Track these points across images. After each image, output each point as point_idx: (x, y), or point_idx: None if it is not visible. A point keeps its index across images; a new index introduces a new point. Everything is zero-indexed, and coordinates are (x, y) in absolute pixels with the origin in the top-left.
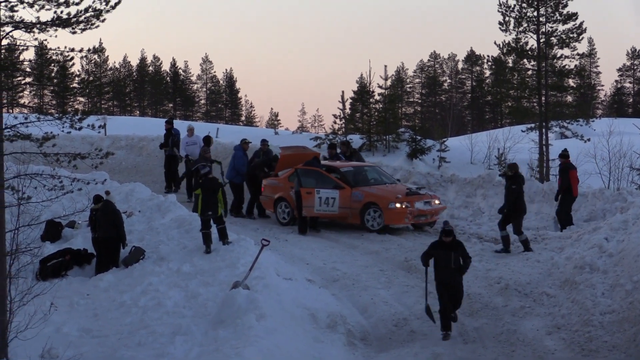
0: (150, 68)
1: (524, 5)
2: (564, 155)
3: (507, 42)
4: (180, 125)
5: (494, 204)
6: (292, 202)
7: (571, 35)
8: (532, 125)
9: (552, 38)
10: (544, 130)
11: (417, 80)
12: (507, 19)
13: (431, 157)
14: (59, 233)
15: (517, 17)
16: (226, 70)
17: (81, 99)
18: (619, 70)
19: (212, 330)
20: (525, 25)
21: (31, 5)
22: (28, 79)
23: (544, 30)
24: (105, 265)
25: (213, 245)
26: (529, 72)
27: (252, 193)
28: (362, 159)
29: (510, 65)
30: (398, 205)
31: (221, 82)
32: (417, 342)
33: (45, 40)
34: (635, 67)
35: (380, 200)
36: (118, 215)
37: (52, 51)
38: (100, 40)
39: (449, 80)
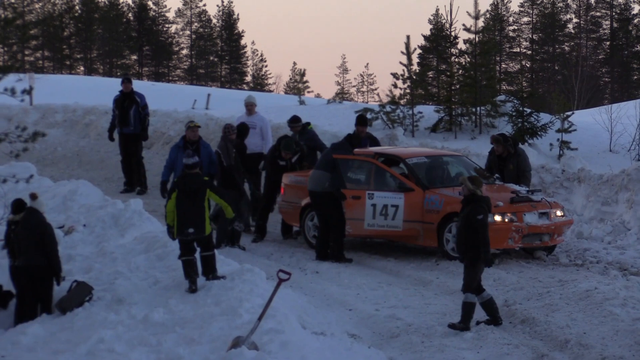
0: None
1: None
2: None
3: None
4: (145, 88)
5: None
6: None
7: None
8: None
9: None
10: None
11: (526, 19)
12: None
13: (547, 142)
14: None
15: None
16: (222, 2)
17: None
18: None
19: None
20: None
21: None
22: None
23: None
24: (31, 309)
25: (201, 280)
26: None
27: (267, 198)
28: (527, 165)
29: None
30: (498, 218)
31: (214, 21)
32: None
33: None
34: None
35: None
36: (48, 232)
37: None
38: None
39: (575, 20)
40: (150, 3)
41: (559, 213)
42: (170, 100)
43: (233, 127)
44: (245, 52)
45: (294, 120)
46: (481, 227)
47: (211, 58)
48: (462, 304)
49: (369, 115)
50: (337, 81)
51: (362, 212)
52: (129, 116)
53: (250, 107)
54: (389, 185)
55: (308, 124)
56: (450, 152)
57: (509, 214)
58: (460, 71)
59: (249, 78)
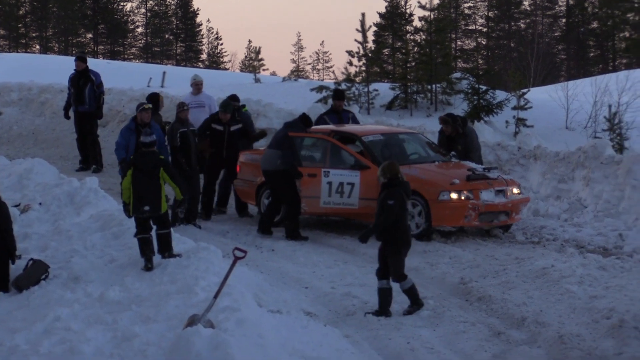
0: None
1: None
2: None
3: None
4: (101, 66)
5: (601, 194)
6: None
7: None
8: None
9: None
10: None
11: None
12: None
13: (503, 119)
14: None
15: None
16: None
17: None
18: None
19: None
20: None
21: None
22: None
23: None
24: None
25: (157, 258)
26: None
27: (209, 174)
28: (474, 146)
29: None
30: (454, 195)
31: None
32: None
33: None
34: None
35: (425, 188)
36: (3, 211)
37: None
38: None
39: None
40: None
41: (515, 190)
42: (125, 79)
43: (184, 104)
44: (200, 30)
45: (233, 98)
46: (388, 211)
47: (166, 36)
48: (404, 292)
49: (324, 93)
50: (293, 59)
51: (318, 190)
52: (84, 94)
53: (199, 85)
54: (344, 163)
55: (243, 106)
56: (406, 130)
57: (465, 192)
58: (416, 49)
59: (204, 56)
